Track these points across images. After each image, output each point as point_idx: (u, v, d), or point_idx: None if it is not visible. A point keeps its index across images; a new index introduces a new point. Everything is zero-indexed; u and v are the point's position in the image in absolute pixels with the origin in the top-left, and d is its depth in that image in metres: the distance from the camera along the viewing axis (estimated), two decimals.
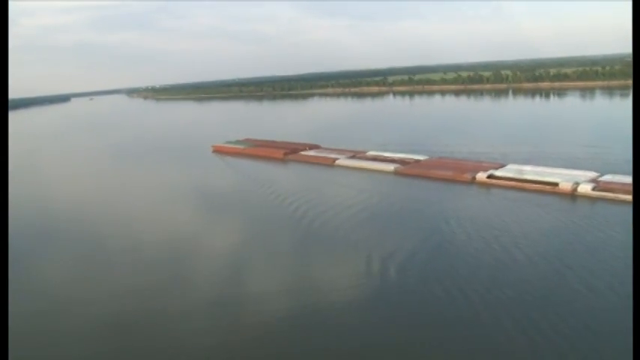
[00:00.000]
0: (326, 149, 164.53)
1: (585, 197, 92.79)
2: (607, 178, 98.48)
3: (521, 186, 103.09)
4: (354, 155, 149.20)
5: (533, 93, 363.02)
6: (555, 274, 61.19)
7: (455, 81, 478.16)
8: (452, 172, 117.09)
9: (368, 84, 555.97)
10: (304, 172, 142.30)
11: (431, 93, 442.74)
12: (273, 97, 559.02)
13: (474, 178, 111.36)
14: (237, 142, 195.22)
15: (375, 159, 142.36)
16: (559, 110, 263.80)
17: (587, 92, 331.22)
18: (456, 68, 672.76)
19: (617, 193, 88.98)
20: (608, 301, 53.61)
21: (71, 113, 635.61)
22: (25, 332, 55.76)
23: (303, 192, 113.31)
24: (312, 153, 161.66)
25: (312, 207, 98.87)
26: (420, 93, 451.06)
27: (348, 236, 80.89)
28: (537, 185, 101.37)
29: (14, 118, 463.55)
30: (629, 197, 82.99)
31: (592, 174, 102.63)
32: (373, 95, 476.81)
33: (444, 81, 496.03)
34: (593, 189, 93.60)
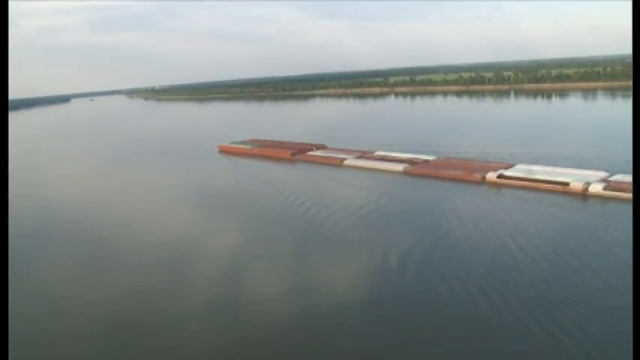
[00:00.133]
0: (333, 149, 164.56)
1: (597, 197, 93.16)
2: (618, 177, 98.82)
3: (531, 186, 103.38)
4: (362, 155, 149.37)
5: (535, 94, 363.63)
6: (574, 274, 61.39)
7: (457, 82, 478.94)
8: (462, 172, 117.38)
9: (369, 85, 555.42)
10: (313, 172, 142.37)
11: (433, 94, 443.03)
12: (275, 98, 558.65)
13: (484, 177, 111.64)
14: (243, 142, 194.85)
15: (383, 159, 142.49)
16: (562, 111, 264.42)
17: (589, 93, 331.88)
18: (457, 69, 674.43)
19: (628, 192, 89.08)
20: (630, 301, 53.60)
21: (71, 114, 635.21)
22: (25, 332, 55.71)
23: (314, 192, 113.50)
24: (319, 153, 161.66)
25: (324, 207, 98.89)
26: (422, 94, 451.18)
27: (363, 235, 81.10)
28: (548, 185, 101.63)
29: (14, 118, 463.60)
30: None
31: (602, 174, 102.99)
32: (375, 96, 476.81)
33: (446, 82, 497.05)
34: (605, 188, 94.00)
